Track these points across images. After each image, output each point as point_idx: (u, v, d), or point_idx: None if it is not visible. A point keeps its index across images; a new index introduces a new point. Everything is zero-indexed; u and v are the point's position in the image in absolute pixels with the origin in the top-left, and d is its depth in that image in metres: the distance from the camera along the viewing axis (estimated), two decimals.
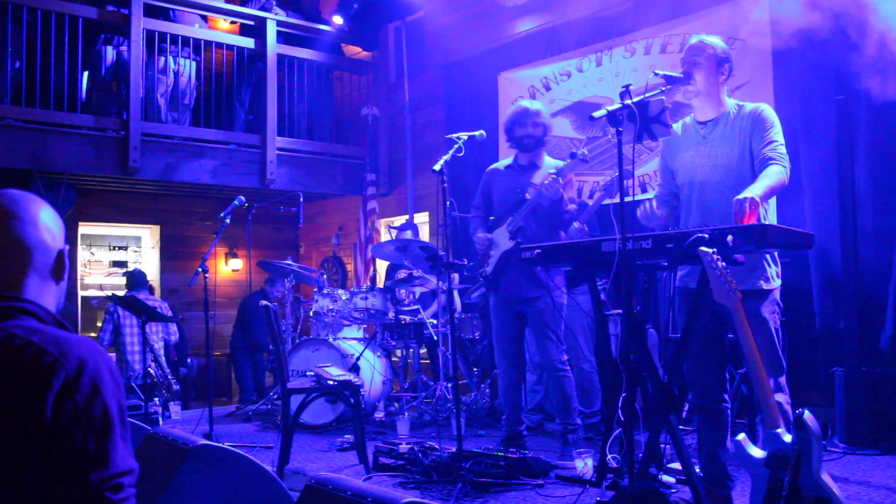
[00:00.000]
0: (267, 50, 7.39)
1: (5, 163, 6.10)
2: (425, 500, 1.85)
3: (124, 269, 8.35)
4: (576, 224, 4.42)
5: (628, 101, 2.69)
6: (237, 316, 7.74)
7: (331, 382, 4.01)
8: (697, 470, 2.90)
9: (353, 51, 8.53)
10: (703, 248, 2.44)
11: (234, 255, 9.19)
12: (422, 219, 7.80)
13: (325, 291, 5.92)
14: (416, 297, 6.31)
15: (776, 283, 2.93)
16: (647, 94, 2.76)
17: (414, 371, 6.22)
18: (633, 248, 2.68)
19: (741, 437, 2.46)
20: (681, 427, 3.07)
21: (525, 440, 4.32)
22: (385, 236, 7.80)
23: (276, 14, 7.57)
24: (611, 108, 2.69)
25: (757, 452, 2.41)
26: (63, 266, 1.36)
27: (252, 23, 7.48)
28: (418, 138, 7.90)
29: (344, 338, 5.89)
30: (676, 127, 3.09)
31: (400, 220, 7.45)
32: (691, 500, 2.66)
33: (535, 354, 4.63)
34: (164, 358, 6.75)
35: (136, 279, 6.97)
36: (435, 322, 5.76)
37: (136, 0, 6.64)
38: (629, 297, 2.68)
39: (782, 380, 2.83)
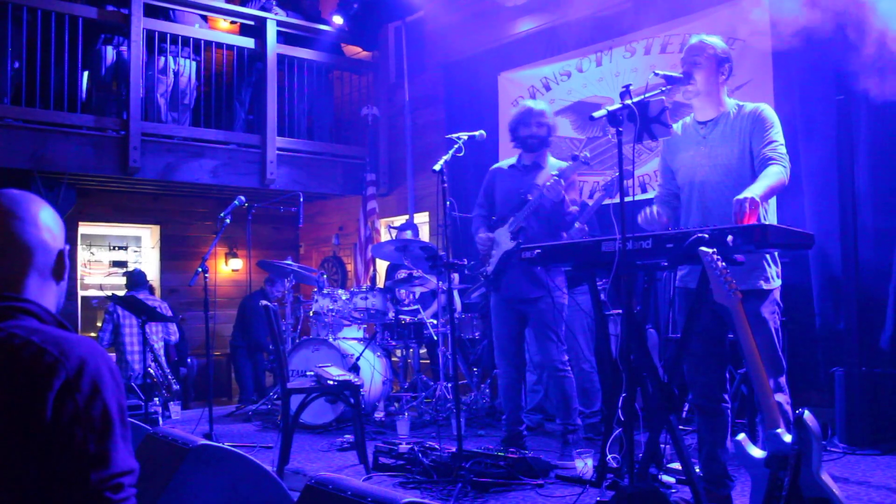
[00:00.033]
0: (267, 50, 7.39)
1: (5, 163, 6.10)
2: (425, 500, 1.84)
3: (124, 269, 8.35)
4: (576, 224, 4.42)
5: (628, 101, 2.69)
6: (237, 316, 7.74)
7: (331, 382, 4.00)
8: (697, 470, 2.90)
9: (353, 51, 8.52)
10: (703, 249, 2.44)
11: (234, 255, 9.19)
12: (422, 219, 7.80)
13: (325, 291, 5.91)
14: (416, 297, 6.31)
15: (776, 283, 2.93)
16: (647, 94, 2.76)
17: (414, 371, 6.22)
18: (633, 249, 2.68)
19: (741, 437, 2.46)
20: (681, 427, 3.08)
21: (525, 440, 4.32)
22: (385, 236, 7.80)
23: (276, 14, 7.57)
24: (611, 108, 2.69)
25: (757, 452, 2.41)
26: (63, 266, 1.36)
27: (252, 23, 7.48)
28: (418, 138, 7.89)
29: (344, 338, 5.88)
30: (676, 127, 3.09)
31: (400, 220, 7.45)
32: (691, 500, 2.66)
33: (535, 354, 4.63)
34: (164, 358, 6.74)
35: (135, 279, 6.97)
36: (435, 322, 5.76)
37: (136, 0, 6.64)
38: (629, 297, 2.68)
39: (782, 380, 2.83)
